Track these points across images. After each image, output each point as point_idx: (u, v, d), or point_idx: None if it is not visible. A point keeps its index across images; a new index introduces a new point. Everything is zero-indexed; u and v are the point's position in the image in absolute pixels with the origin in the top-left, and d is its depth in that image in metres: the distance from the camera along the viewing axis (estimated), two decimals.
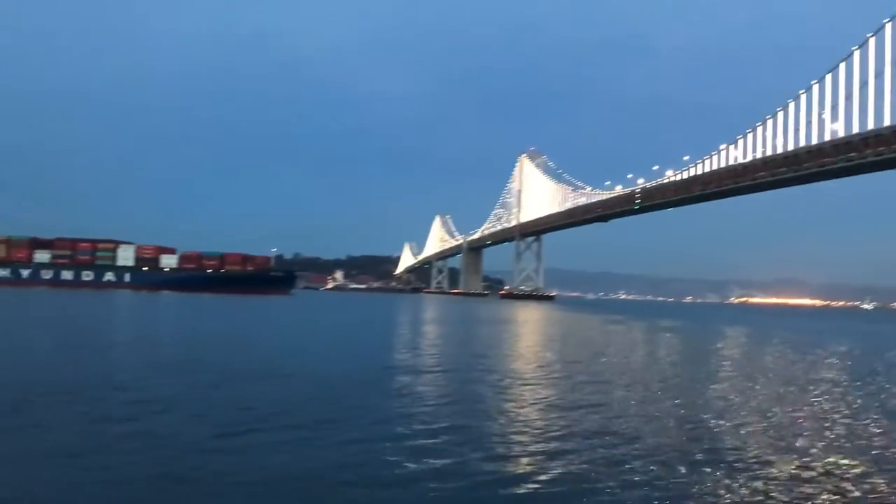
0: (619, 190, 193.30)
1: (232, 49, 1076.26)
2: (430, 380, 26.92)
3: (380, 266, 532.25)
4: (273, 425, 17.11)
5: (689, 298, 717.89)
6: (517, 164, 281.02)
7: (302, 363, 31.19)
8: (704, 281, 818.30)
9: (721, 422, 19.72)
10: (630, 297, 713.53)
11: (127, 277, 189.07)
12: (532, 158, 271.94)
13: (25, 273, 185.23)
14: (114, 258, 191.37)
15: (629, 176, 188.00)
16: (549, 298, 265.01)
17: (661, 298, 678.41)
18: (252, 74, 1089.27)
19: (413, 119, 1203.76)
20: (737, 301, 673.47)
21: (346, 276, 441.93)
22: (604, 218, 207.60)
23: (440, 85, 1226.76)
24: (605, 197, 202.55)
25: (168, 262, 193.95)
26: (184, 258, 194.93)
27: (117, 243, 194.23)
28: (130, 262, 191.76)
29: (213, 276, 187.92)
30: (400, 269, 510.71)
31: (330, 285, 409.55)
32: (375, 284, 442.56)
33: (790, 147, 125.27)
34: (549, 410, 20.76)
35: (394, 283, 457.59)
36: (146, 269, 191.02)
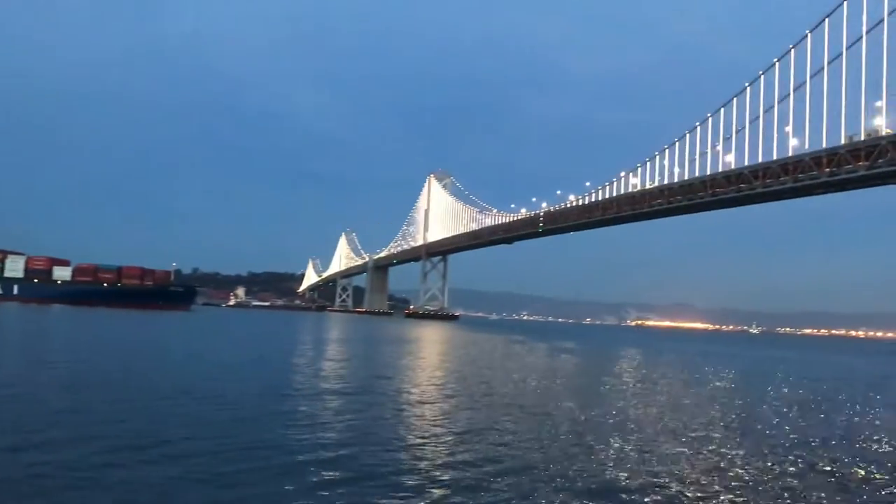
0: (523, 212, 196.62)
1: (133, 58, 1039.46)
2: (326, 404, 25.97)
3: (282, 283, 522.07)
4: (148, 457, 15.78)
5: (588, 320, 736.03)
6: (425, 185, 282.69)
7: (199, 385, 29.49)
8: (603, 304, 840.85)
9: (605, 446, 19.59)
10: (532, 318, 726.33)
11: (15, 290, 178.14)
12: (440, 179, 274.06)
13: None
14: (1, 269, 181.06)
15: (533, 199, 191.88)
16: (454, 318, 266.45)
17: (561, 320, 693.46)
18: (153, 85, 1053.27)
19: (321, 135, 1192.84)
20: (633, 324, 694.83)
21: (247, 293, 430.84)
22: (508, 240, 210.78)
23: (351, 102, 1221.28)
24: (510, 219, 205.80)
25: (61, 274, 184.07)
26: (78, 270, 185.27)
27: (5, 253, 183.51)
28: (19, 274, 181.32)
29: (110, 290, 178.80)
30: (303, 286, 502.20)
31: (232, 302, 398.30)
32: (279, 302, 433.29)
33: (686, 176, 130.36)
34: (441, 437, 20.17)
35: (298, 301, 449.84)
36: (37, 281, 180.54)
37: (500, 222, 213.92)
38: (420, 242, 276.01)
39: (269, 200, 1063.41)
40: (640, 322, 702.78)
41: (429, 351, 66.25)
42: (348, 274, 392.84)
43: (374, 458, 16.13)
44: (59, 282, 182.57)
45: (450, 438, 19.34)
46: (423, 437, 19.32)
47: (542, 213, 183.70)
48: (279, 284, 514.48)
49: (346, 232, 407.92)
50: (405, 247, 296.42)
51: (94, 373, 31.57)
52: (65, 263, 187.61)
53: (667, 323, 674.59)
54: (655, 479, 15.30)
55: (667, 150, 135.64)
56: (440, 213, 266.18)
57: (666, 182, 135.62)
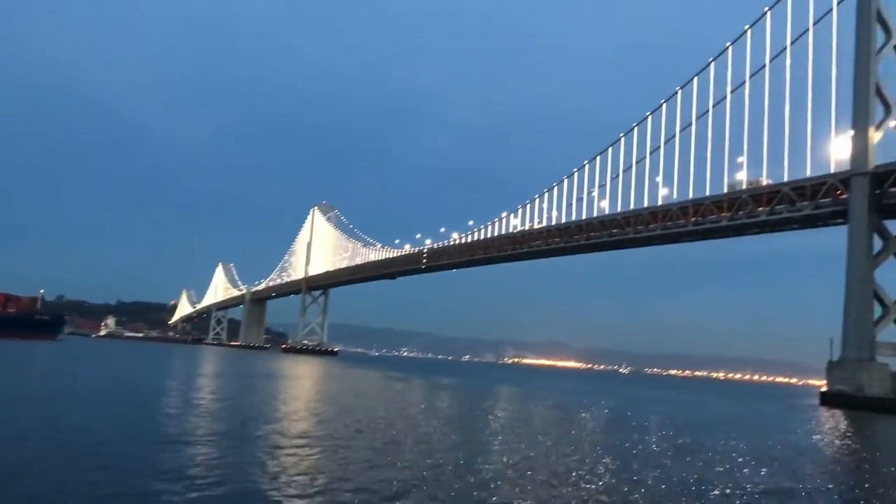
0: (407, 248, 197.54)
1: (14, 74, 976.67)
2: (192, 448, 24.90)
3: (153, 313, 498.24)
4: None
5: (467, 357, 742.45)
6: (309, 217, 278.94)
7: (64, 421, 27.63)
8: (482, 341, 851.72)
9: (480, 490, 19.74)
10: (412, 355, 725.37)
11: None
12: (324, 212, 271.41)
13: None
14: None
15: (418, 236, 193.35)
16: (333, 353, 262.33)
17: (441, 356, 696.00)
18: (18, 107, 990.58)
19: (199, 164, 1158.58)
20: (510, 361, 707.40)
21: (117, 323, 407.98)
22: (391, 275, 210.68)
23: (233, 133, 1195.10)
24: (394, 254, 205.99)
25: None
26: None
27: None
28: None
29: None
30: (176, 317, 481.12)
31: (102, 332, 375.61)
32: (153, 333, 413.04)
33: (564, 220, 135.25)
34: (306, 485, 19.76)
35: (171, 333, 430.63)
36: None
37: (384, 257, 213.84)
38: (301, 275, 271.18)
39: (141, 228, 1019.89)
40: (516, 360, 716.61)
41: (305, 388, 64.79)
42: (224, 306, 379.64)
43: None
44: None
45: (311, 483, 18.94)
46: (286, 482, 18.84)
47: (425, 250, 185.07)
48: (150, 315, 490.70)
49: (223, 263, 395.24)
50: (285, 279, 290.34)
51: None
52: None
53: (542, 361, 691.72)
54: None
55: (546, 194, 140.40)
56: (323, 246, 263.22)
57: (545, 224, 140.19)
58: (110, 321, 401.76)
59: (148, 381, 59.98)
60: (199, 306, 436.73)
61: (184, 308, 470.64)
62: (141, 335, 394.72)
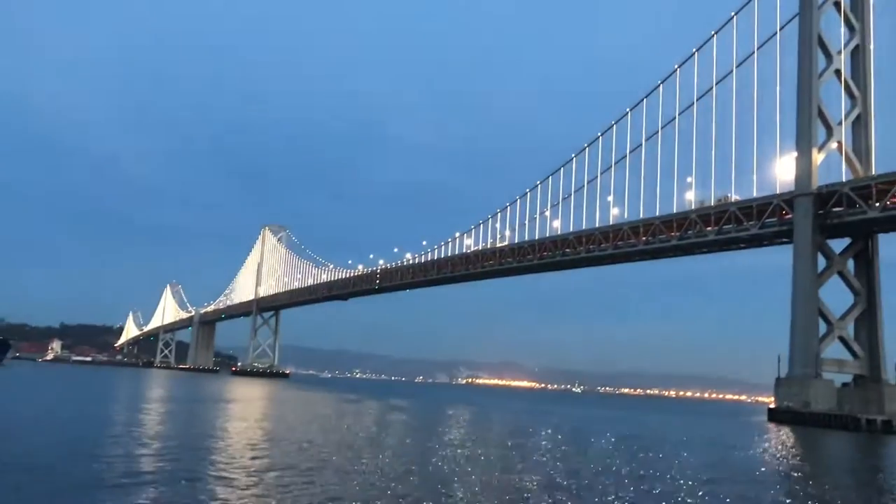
0: (360, 269, 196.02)
1: None
2: (138, 476, 23.75)
3: (98, 336, 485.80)
4: None
5: (420, 378, 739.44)
6: (259, 237, 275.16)
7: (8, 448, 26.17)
8: (435, 362, 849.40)
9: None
10: (365, 376, 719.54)
11: None
12: (275, 232, 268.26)
13: None
14: None
15: (371, 256, 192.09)
16: (284, 376, 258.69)
17: (395, 378, 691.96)
18: None
19: (144, 183, 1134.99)
20: (464, 382, 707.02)
21: (63, 347, 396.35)
22: (343, 296, 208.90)
23: (177, 151, 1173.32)
24: (346, 275, 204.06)
25: None
26: None
27: None
28: None
29: None
30: (122, 340, 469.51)
31: (49, 356, 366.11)
32: (103, 357, 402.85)
33: (517, 239, 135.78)
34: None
35: (119, 357, 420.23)
36: None
37: (336, 278, 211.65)
38: (251, 296, 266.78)
39: (84, 249, 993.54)
40: (470, 380, 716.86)
41: (256, 411, 63.26)
42: (172, 328, 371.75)
43: None
44: None
45: None
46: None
47: (378, 270, 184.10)
48: (95, 338, 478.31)
49: (171, 284, 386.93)
50: (235, 301, 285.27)
51: None
52: None
53: (496, 381, 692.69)
54: None
55: (499, 214, 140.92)
56: (274, 267, 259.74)
57: (498, 244, 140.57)
58: (56, 345, 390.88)
59: (97, 406, 57.83)
60: (146, 328, 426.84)
61: (130, 331, 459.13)
62: (89, 359, 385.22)
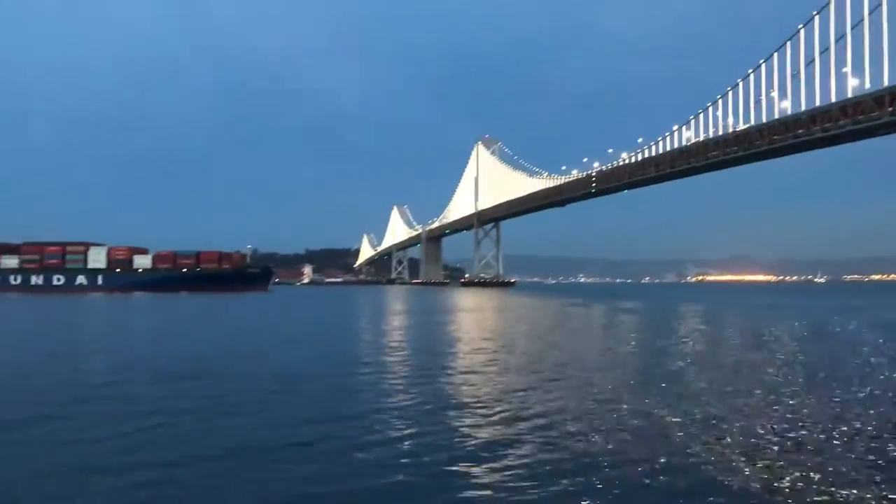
0: (575, 174, 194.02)
1: (183, 40, 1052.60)
2: (401, 374, 25.81)
3: (339, 259, 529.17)
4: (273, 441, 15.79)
5: (646, 279, 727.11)
6: (473, 152, 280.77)
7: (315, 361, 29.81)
8: (661, 261, 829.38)
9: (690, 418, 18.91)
10: (589, 281, 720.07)
11: (99, 280, 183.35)
12: (488, 146, 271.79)
13: None
14: (84, 261, 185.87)
15: (585, 160, 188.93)
16: (510, 284, 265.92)
17: (619, 280, 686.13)
18: (195, 71, 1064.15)
19: (361, 111, 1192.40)
20: (693, 280, 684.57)
21: (314, 271, 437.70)
22: (561, 202, 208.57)
23: (394, 79, 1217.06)
24: (561, 182, 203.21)
25: (142, 262, 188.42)
26: (158, 258, 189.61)
27: (88, 245, 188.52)
28: (102, 265, 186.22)
29: (189, 276, 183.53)
30: (360, 261, 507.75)
31: (306, 280, 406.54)
32: (351, 278, 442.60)
33: (741, 126, 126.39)
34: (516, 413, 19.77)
35: (362, 276, 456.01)
36: (119, 270, 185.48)
37: (551, 185, 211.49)
38: (471, 211, 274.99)
39: (315, 179, 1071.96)
40: (700, 277, 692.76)
41: (489, 316, 65.86)
42: (403, 246, 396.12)
43: (446, 429, 15.80)
44: (139, 270, 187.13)
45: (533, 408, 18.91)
46: (496, 405, 18.91)
47: (594, 174, 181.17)
48: (336, 261, 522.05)
49: (397, 205, 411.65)
50: (457, 216, 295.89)
51: (238, 352, 32.01)
52: (144, 252, 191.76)
53: (728, 277, 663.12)
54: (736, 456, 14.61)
55: (720, 101, 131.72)
56: (490, 180, 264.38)
57: (720, 133, 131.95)
58: (307, 269, 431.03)
59: (353, 319, 63.21)
60: (379, 249, 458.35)
61: (366, 252, 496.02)
62: (340, 280, 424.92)
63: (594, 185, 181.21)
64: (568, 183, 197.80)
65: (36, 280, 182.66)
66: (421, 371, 26.38)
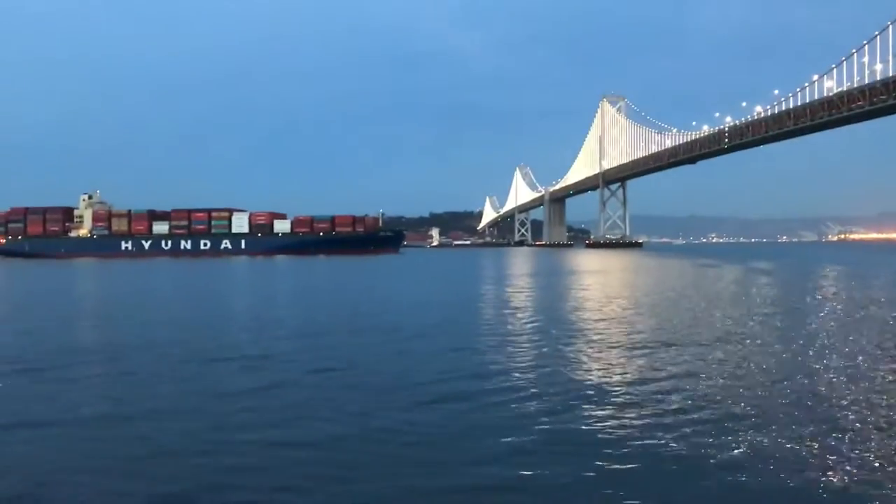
0: (706, 130, 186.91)
1: (310, 6, 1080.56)
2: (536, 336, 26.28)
3: (462, 221, 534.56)
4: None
5: (783, 238, 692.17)
6: (598, 110, 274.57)
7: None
8: (799, 219, 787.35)
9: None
10: (721, 241, 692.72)
11: (243, 244, 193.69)
12: (613, 103, 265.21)
13: (147, 245, 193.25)
14: (229, 226, 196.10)
15: (716, 114, 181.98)
16: (637, 246, 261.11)
17: (753, 240, 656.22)
18: (308, 41, 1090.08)
19: (481, 72, 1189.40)
20: (835, 238, 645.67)
21: (440, 234, 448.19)
22: (691, 159, 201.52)
23: (518, 38, 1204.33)
24: (691, 138, 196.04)
25: (281, 227, 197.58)
26: (296, 222, 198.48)
27: (231, 211, 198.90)
28: (245, 229, 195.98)
29: (326, 239, 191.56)
30: (483, 223, 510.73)
31: (435, 242, 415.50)
32: (479, 241, 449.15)
33: (890, 73, 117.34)
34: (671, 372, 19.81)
35: (488, 238, 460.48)
36: (260, 235, 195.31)
37: (680, 142, 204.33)
38: (596, 170, 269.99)
39: (438, 141, 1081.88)
40: (843, 236, 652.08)
41: (618, 278, 65.16)
42: (526, 208, 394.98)
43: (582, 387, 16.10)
44: (279, 234, 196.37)
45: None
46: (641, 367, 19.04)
47: (726, 129, 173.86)
48: (460, 223, 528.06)
49: (519, 166, 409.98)
50: (581, 176, 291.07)
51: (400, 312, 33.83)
52: (283, 217, 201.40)
53: (874, 235, 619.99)
54: None
55: (866, 47, 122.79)
56: (615, 138, 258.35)
57: (866, 82, 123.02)
58: (435, 232, 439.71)
59: (495, 278, 64.29)
60: (502, 211, 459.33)
61: (488, 214, 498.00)
62: (467, 242, 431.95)
63: (727, 140, 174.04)
64: (698, 139, 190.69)
65: (185, 245, 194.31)
66: (568, 338, 26.65)
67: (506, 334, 26.50)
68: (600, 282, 62.18)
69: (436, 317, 33.57)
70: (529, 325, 29.40)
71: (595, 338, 25.15)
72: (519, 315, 33.74)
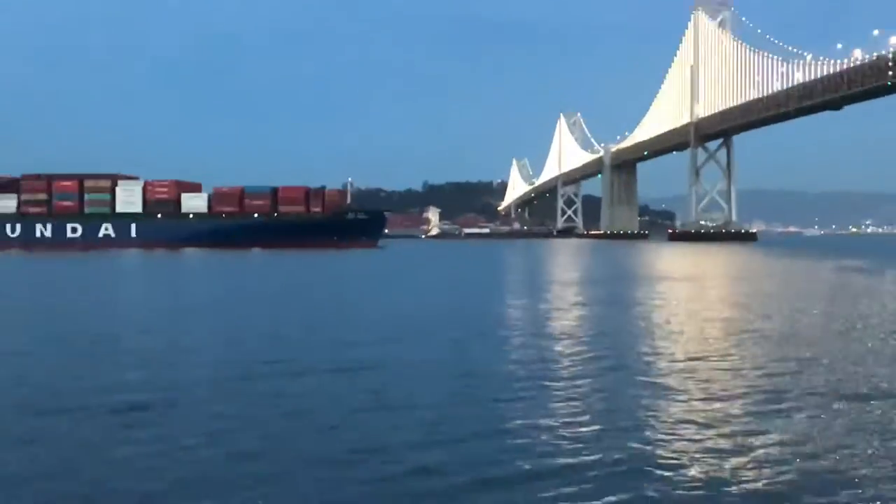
0: (857, 56, 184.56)
1: None
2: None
3: (475, 198, 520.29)
4: None
5: None
6: (689, 25, 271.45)
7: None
8: None
9: None
10: (880, 231, 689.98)
11: (133, 231, 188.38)
12: (713, 15, 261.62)
13: None
14: (111, 202, 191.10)
15: (875, 32, 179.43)
16: (749, 237, 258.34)
17: None
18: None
19: None
20: None
21: (441, 217, 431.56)
22: (835, 103, 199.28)
23: None
24: (836, 68, 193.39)
25: (193, 203, 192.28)
26: (217, 197, 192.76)
27: (115, 179, 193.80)
28: (137, 208, 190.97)
29: (263, 225, 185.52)
30: (506, 201, 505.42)
31: (433, 231, 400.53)
32: (503, 228, 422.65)
33: None
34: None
35: (516, 225, 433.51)
36: (160, 216, 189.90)
37: (817, 76, 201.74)
38: (685, 119, 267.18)
39: (439, 72, 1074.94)
40: None
41: (727, 294, 61.58)
42: (574, 178, 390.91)
43: None
44: (190, 215, 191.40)
45: None
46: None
47: (890, 54, 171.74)
48: (470, 201, 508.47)
49: (565, 115, 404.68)
50: (661, 129, 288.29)
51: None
52: (196, 189, 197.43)
53: None
54: None
55: None
56: (716, 69, 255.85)
57: None
58: (432, 215, 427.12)
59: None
60: (536, 182, 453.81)
61: (515, 187, 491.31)
62: (485, 230, 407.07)
63: (892, 72, 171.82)
64: (847, 70, 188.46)
65: (43, 231, 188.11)
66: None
67: (541, 405, 23.19)
68: (697, 296, 59.02)
69: (429, 365, 30.10)
70: (578, 402, 26.00)
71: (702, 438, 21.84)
72: (562, 365, 30.27)
